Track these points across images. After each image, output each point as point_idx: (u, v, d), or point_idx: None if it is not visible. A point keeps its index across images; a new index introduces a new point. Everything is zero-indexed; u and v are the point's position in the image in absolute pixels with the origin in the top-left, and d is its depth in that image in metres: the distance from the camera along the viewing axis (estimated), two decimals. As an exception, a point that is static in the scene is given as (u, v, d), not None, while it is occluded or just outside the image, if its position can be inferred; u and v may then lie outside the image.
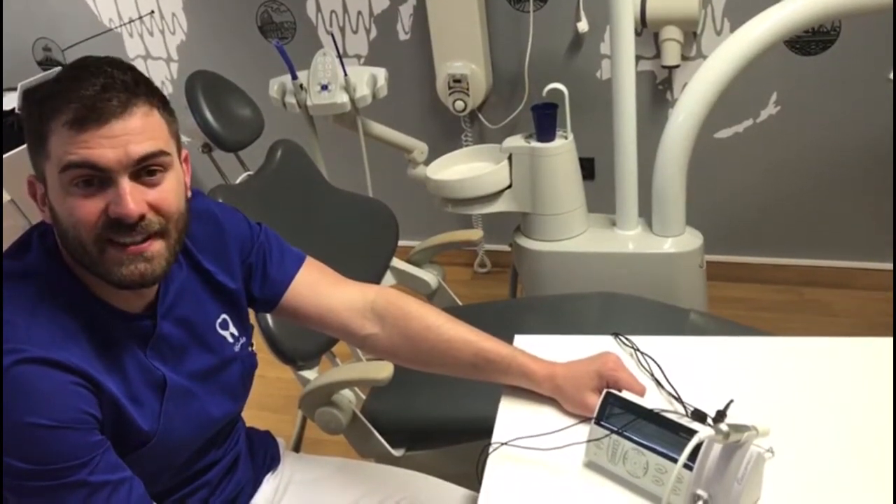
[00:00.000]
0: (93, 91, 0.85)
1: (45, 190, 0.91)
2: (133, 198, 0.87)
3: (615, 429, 0.98)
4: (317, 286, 1.20)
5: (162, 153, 0.90)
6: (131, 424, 0.94)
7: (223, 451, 1.18)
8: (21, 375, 0.84)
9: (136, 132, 0.87)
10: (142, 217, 0.89)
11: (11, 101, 2.91)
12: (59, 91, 0.86)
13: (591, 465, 1.02)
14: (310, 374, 1.61)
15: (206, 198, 1.15)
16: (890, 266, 2.53)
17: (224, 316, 1.11)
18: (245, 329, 1.16)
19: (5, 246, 0.98)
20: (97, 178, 0.87)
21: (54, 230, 0.92)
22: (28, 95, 0.90)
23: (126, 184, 0.87)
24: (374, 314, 1.20)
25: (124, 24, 3.06)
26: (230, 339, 1.12)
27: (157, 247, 0.91)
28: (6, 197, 2.68)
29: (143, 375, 0.97)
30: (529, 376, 1.14)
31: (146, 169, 0.89)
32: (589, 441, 1.01)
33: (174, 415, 1.00)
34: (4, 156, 2.65)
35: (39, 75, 2.75)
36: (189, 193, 0.99)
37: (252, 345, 1.18)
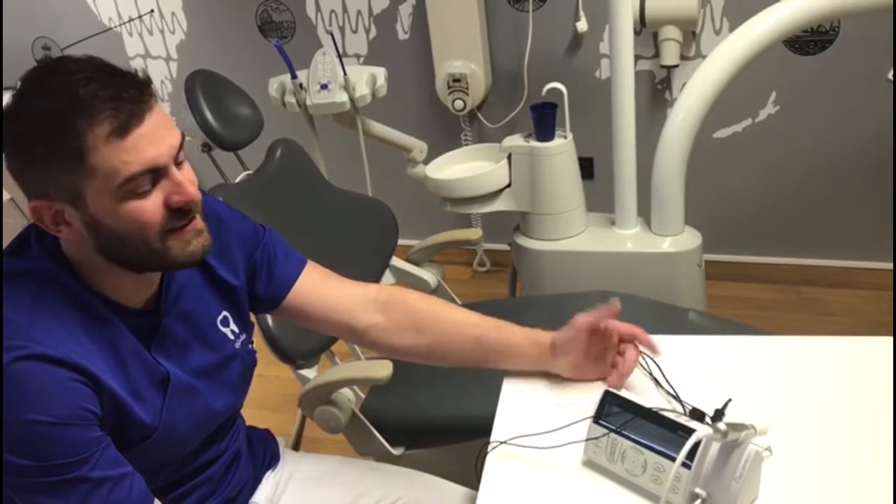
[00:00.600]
0: (111, 92, 0.84)
1: (74, 207, 0.87)
2: (187, 181, 0.91)
3: (614, 427, 0.98)
4: (319, 285, 1.21)
5: (183, 138, 0.93)
6: (132, 419, 0.94)
7: (224, 447, 1.18)
8: (21, 372, 0.84)
9: (162, 124, 0.89)
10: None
11: (11, 100, 2.91)
12: (80, 105, 0.83)
13: (589, 463, 1.03)
14: (309, 373, 1.61)
15: (209, 196, 1.16)
16: (889, 265, 2.54)
17: (225, 313, 1.12)
18: (245, 327, 1.16)
19: (4, 244, 0.98)
20: (152, 178, 0.88)
21: (81, 240, 0.90)
22: (23, 125, 0.85)
23: (177, 173, 0.90)
24: (375, 306, 1.21)
25: (124, 24, 3.06)
26: (231, 336, 1.12)
27: (199, 219, 0.96)
28: (6, 196, 2.68)
29: (145, 371, 0.98)
30: (527, 347, 1.17)
31: (178, 155, 0.92)
32: (587, 440, 1.01)
33: (177, 410, 1.00)
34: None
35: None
36: None
37: (252, 342, 1.18)
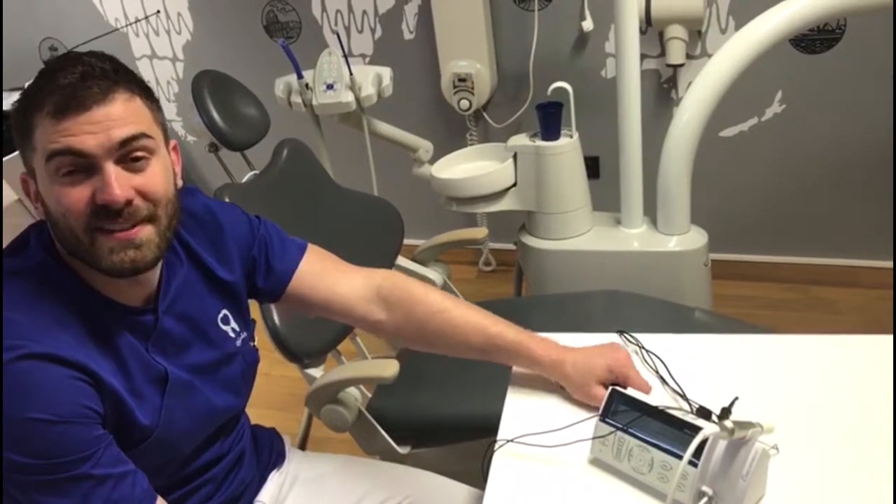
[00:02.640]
0: (72, 79, 0.86)
1: (37, 185, 0.92)
2: (119, 183, 0.87)
3: (620, 426, 0.98)
4: (321, 273, 1.20)
5: (144, 136, 0.90)
6: (132, 418, 0.94)
7: (228, 447, 1.18)
8: (22, 371, 0.84)
9: (117, 117, 0.88)
10: (129, 202, 0.89)
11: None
12: (40, 85, 0.88)
13: (596, 461, 1.03)
14: (315, 372, 1.61)
15: (203, 195, 1.16)
16: (895, 264, 2.53)
17: (225, 311, 1.12)
18: (246, 324, 1.16)
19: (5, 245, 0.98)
20: (82, 165, 0.87)
21: (48, 224, 0.93)
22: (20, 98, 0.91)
23: (111, 169, 0.87)
24: (379, 298, 1.21)
25: (130, 24, 3.07)
26: (231, 334, 1.12)
27: (146, 232, 0.92)
28: (13, 196, 2.69)
29: (144, 370, 0.98)
30: (537, 362, 1.14)
31: (131, 155, 0.90)
32: (594, 438, 1.01)
33: (175, 408, 1.00)
34: (13, 154, 2.66)
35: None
36: (180, 182, 1.00)
37: (254, 340, 1.18)
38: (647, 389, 1.10)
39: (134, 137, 0.89)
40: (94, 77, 0.87)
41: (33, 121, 0.88)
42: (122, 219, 0.89)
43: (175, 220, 0.97)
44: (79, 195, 0.87)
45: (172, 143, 1.00)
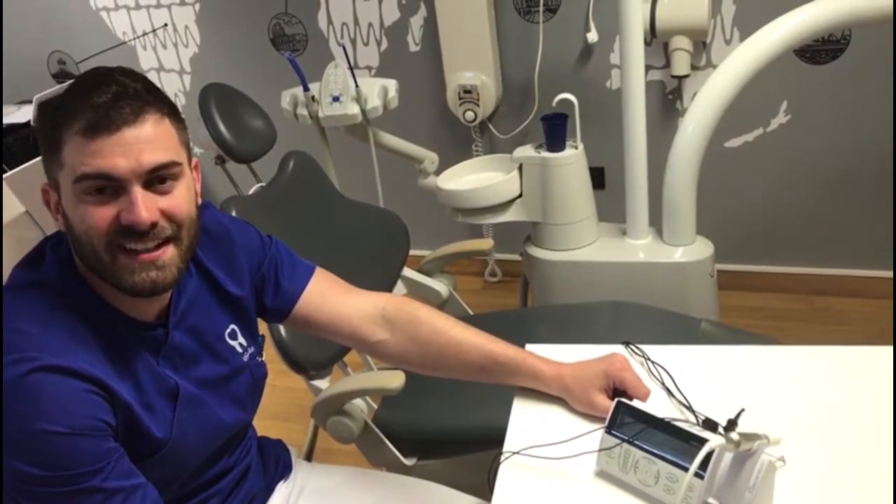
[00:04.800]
0: (104, 99, 0.87)
1: (59, 198, 0.92)
2: (145, 205, 0.89)
3: (626, 438, 0.98)
4: (328, 295, 1.21)
5: (173, 164, 0.92)
6: (144, 431, 0.95)
7: (234, 460, 1.18)
8: (36, 383, 0.84)
9: (147, 140, 0.89)
10: (153, 224, 0.90)
11: (26, 115, 2.94)
12: (71, 100, 0.88)
13: (602, 473, 1.02)
14: (322, 384, 1.61)
15: (217, 210, 1.17)
16: (902, 274, 2.52)
17: (233, 326, 1.13)
18: (254, 339, 1.16)
19: (19, 256, 0.99)
20: (110, 186, 0.88)
21: (68, 239, 0.94)
22: (43, 106, 0.92)
23: (138, 192, 0.89)
24: (384, 320, 1.21)
25: (138, 38, 3.09)
26: (239, 349, 1.13)
27: (169, 254, 0.93)
28: (21, 208, 2.71)
29: (155, 383, 0.98)
30: (538, 377, 1.15)
31: (158, 177, 0.91)
32: (600, 450, 1.01)
33: (186, 422, 1.01)
34: (21, 167, 2.68)
35: (54, 88, 2.78)
36: (199, 200, 1.01)
37: (262, 355, 1.19)
38: (644, 391, 1.11)
39: (163, 165, 0.90)
40: (126, 97, 0.88)
41: (63, 136, 0.87)
42: (146, 239, 0.90)
43: (196, 241, 0.98)
44: (104, 214, 0.89)
45: (194, 161, 1.01)
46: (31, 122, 2.74)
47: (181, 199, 0.93)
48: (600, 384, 1.11)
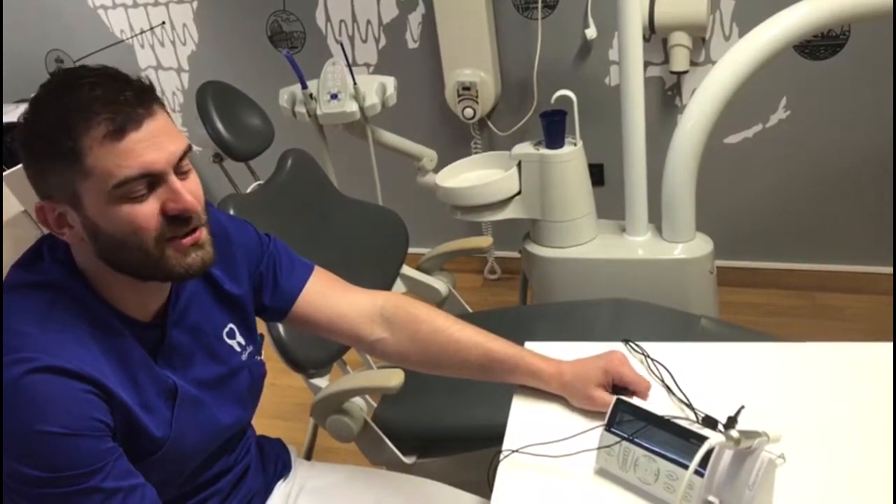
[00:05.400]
0: (117, 97, 0.86)
1: (74, 209, 0.89)
2: (186, 191, 0.90)
3: (626, 435, 0.98)
4: (327, 294, 1.21)
5: (189, 148, 0.93)
6: (143, 431, 0.95)
7: (234, 460, 1.18)
8: (33, 384, 0.84)
9: (164, 131, 0.89)
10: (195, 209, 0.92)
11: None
12: (77, 107, 0.85)
13: (602, 471, 1.02)
14: (321, 382, 1.61)
15: (214, 209, 1.16)
16: (902, 270, 2.52)
17: (231, 325, 1.12)
18: (252, 338, 1.16)
19: (17, 255, 0.98)
20: (148, 182, 0.88)
21: (84, 247, 0.92)
22: (30, 127, 0.88)
23: (176, 181, 0.90)
24: (383, 319, 1.21)
25: (135, 36, 3.09)
26: (237, 349, 1.12)
27: (204, 233, 0.96)
28: (19, 207, 2.71)
29: (154, 383, 0.98)
30: (537, 375, 1.16)
31: (183, 167, 0.92)
32: (600, 448, 1.01)
33: (185, 422, 1.01)
34: (19, 166, 2.67)
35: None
36: None
37: (260, 354, 1.18)
38: (645, 386, 1.11)
39: (185, 151, 0.92)
40: (131, 90, 0.87)
41: (82, 145, 0.84)
42: (190, 224, 0.92)
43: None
44: (149, 210, 0.89)
45: None
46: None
47: (197, 183, 0.96)
48: (599, 380, 1.11)
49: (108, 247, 0.91)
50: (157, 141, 0.88)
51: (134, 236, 0.89)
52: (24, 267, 0.96)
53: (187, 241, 0.93)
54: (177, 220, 0.91)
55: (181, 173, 0.92)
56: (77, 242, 0.92)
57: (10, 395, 0.83)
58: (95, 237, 0.90)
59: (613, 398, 1.02)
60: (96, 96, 0.85)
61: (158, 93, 0.95)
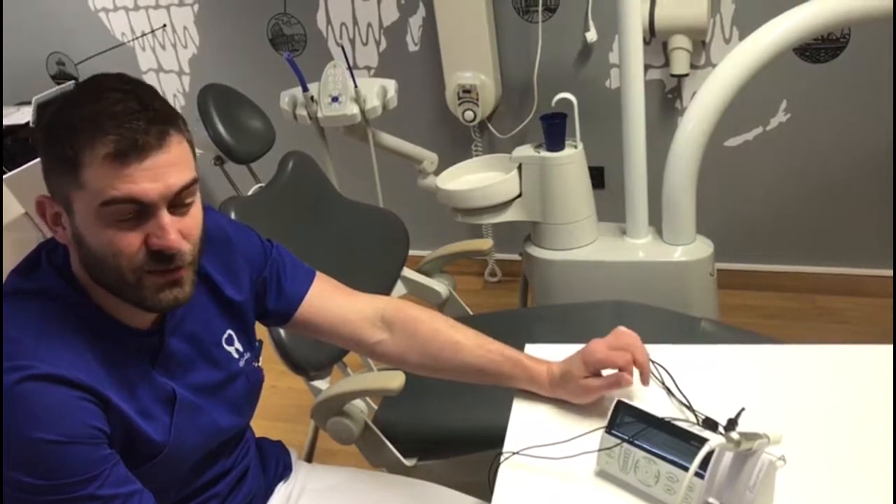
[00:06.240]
0: (131, 123, 0.85)
1: (67, 213, 0.90)
2: (173, 230, 0.89)
3: (626, 437, 0.98)
4: (329, 298, 1.22)
5: (194, 181, 0.91)
6: (142, 438, 0.95)
7: (232, 462, 1.18)
8: (28, 392, 0.84)
9: (172, 163, 0.88)
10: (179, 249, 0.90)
11: (26, 116, 2.94)
12: (90, 118, 0.85)
13: (602, 473, 1.02)
14: (322, 385, 1.61)
15: (217, 213, 1.16)
16: (902, 273, 2.52)
17: (229, 332, 1.12)
18: (250, 345, 1.16)
19: (18, 259, 0.98)
20: (137, 211, 0.87)
21: (73, 251, 0.92)
22: (51, 118, 0.89)
23: (166, 216, 0.88)
24: (383, 322, 1.22)
25: (137, 38, 3.09)
26: (235, 355, 1.12)
27: (186, 273, 0.94)
28: (20, 209, 2.71)
29: (152, 390, 0.98)
30: (534, 380, 1.16)
31: (183, 201, 0.91)
32: (600, 450, 1.01)
33: (184, 426, 1.01)
34: (19, 169, 2.67)
35: (54, 89, 2.78)
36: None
37: (258, 360, 1.18)
38: (623, 360, 1.10)
39: (187, 185, 0.90)
40: (152, 120, 0.86)
41: (83, 158, 0.85)
42: (172, 262, 0.90)
43: (203, 251, 0.98)
44: (132, 240, 0.88)
45: None
46: (31, 124, 2.74)
47: (196, 217, 0.94)
48: (583, 373, 1.12)
49: (89, 261, 0.91)
50: (159, 173, 0.86)
51: (113, 259, 0.89)
52: (21, 274, 0.96)
53: (166, 277, 0.91)
54: (158, 256, 0.89)
55: (181, 206, 0.91)
56: (69, 244, 0.93)
57: (6, 403, 0.83)
58: (80, 247, 0.90)
59: (614, 401, 1.02)
60: (111, 113, 0.85)
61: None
